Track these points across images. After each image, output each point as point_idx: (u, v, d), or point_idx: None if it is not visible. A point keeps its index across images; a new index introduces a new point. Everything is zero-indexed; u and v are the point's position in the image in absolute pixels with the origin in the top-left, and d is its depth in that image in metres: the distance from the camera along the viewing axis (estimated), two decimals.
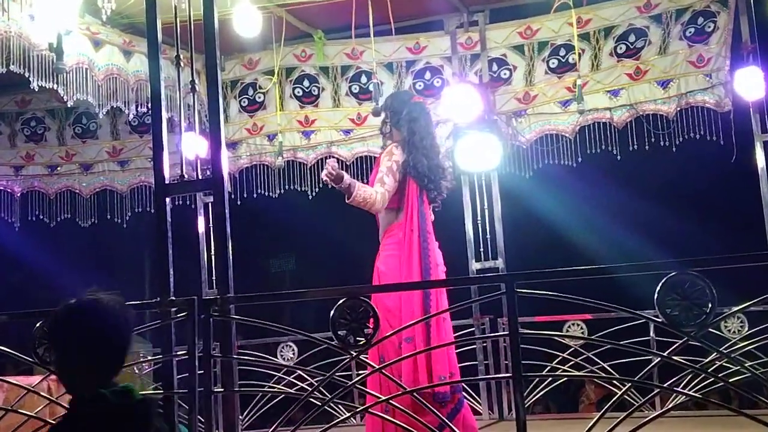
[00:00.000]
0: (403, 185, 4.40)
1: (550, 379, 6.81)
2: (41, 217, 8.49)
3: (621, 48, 7.01)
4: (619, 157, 7.11)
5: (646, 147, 6.97)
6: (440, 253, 4.46)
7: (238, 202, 7.84)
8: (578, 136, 7.19)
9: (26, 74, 5.82)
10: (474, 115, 6.80)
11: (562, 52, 7.16)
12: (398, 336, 4.00)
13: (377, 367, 3.23)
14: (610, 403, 2.80)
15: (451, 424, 3.07)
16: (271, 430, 3.04)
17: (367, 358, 3.65)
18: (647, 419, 2.75)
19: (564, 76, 7.15)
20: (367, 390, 3.42)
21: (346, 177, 4.31)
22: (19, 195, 8.52)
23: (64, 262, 11.00)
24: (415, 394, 3.08)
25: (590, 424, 2.71)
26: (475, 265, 7.11)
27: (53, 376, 3.47)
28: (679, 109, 6.83)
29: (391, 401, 3.13)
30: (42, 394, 3.58)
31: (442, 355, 4.14)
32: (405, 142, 4.51)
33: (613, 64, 7.03)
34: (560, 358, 6.70)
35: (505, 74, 7.35)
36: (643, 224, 10.20)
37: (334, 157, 4.33)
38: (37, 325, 3.12)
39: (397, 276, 4.22)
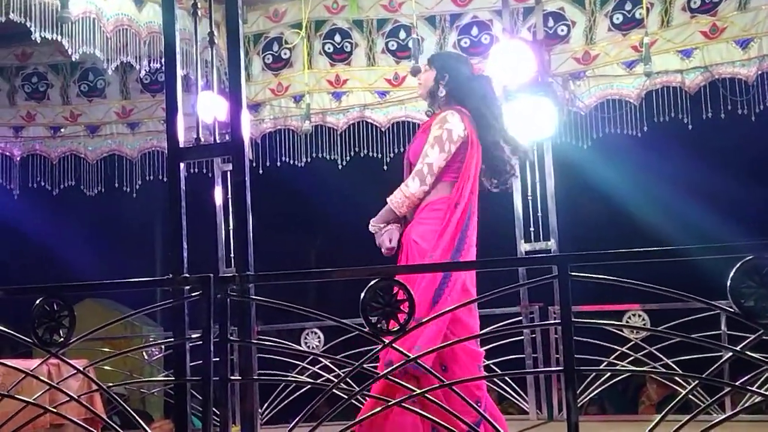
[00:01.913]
0: (462, 156, 4.38)
1: (606, 375, 6.79)
2: (43, 183, 8.60)
3: (695, 2, 6.92)
4: (690, 126, 7.04)
5: (722, 115, 6.90)
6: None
7: (260, 171, 7.89)
8: (644, 101, 7.13)
9: (27, 24, 5.86)
10: (526, 77, 6.75)
11: (628, 6, 7.09)
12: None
13: (411, 356, 3.23)
14: (673, 403, 2.78)
15: (491, 420, 3.08)
16: (292, 424, 3.06)
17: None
18: (714, 422, 2.73)
19: (629, 33, 7.09)
20: (397, 380, 3.42)
21: (391, 226, 4.42)
22: (18, 159, 8.64)
23: (67, 234, 11.15)
24: (454, 387, 3.10)
25: (650, 427, 2.70)
26: (524, 247, 7.07)
27: (54, 360, 3.52)
28: (760, 72, 6.75)
29: (427, 395, 3.13)
30: (41, 378, 3.63)
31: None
32: (474, 114, 4.49)
33: (686, 21, 6.95)
34: (618, 352, 6.68)
35: (562, 31, 7.30)
36: (717, 202, 10.09)
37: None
38: (37, 302, 3.16)
39: (433, 253, 4.23)
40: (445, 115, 4.44)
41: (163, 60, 3.73)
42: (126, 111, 8.47)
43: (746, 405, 3.94)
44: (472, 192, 4.37)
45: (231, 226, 7.01)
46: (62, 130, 8.59)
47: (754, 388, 3.42)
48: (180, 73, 3.63)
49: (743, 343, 2.82)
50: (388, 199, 4.43)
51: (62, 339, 3.18)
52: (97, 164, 8.55)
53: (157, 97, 8.23)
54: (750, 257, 2.64)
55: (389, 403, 3.19)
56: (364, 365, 3.13)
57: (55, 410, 3.56)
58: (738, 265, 2.64)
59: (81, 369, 3.58)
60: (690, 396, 5.56)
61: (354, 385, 3.50)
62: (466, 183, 4.33)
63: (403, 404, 3.07)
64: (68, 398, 3.48)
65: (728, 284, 2.64)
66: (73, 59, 6.70)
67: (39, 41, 6.08)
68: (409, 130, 7.66)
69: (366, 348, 6.08)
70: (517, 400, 7.08)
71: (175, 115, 3.55)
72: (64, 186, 8.59)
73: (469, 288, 4.27)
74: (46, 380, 3.73)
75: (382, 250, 4.44)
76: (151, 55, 6.81)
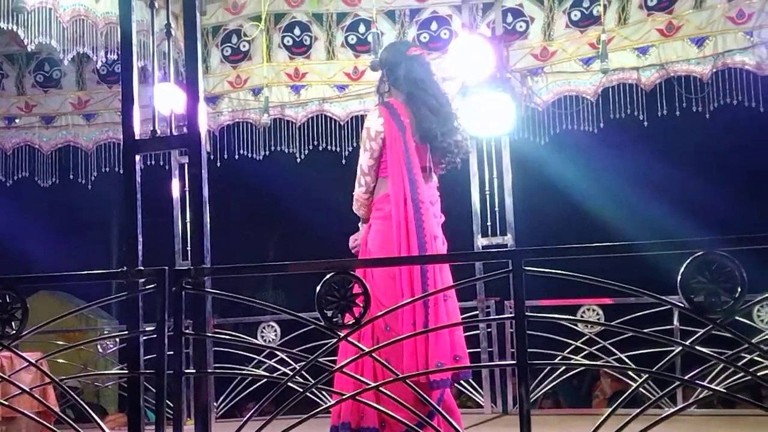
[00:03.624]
0: (390, 148, 4.39)
1: (560, 370, 6.86)
2: None
3: (652, 0, 6.98)
4: (646, 123, 7.11)
5: (677, 112, 6.97)
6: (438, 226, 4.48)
7: (218, 164, 7.85)
8: (601, 98, 7.19)
9: None
10: (485, 73, 6.78)
11: (586, 3, 7.15)
12: (390, 318, 4.04)
13: (366, 350, 3.25)
14: (623, 397, 2.82)
15: (444, 413, 3.10)
16: (245, 418, 3.06)
17: (357, 339, 3.67)
18: (664, 415, 2.76)
19: (587, 30, 7.14)
20: (352, 374, 3.44)
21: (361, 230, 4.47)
22: None
23: (21, 226, 11.03)
24: (408, 381, 3.10)
25: (599, 421, 2.74)
26: (481, 241, 7.12)
27: (6, 352, 3.50)
28: (714, 70, 6.82)
29: (381, 388, 3.15)
30: None
31: (441, 338, 4.16)
32: (407, 100, 4.50)
33: (643, 18, 7.01)
34: (572, 346, 6.75)
35: (520, 27, 7.34)
36: (672, 198, 10.23)
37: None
38: None
39: (382, 253, 4.25)
40: (368, 115, 4.51)
41: (119, 51, 3.71)
42: (82, 102, 8.39)
43: (697, 399, 3.98)
44: (414, 182, 4.34)
45: (188, 219, 6.97)
46: (17, 120, 8.49)
47: (704, 383, 3.48)
48: (137, 64, 3.61)
49: (693, 338, 2.86)
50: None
51: (15, 331, 3.15)
52: (52, 155, 8.46)
53: (113, 89, 8.16)
54: (700, 253, 2.68)
55: (344, 396, 3.19)
56: (319, 359, 3.13)
57: (7, 403, 3.53)
58: (688, 260, 2.68)
59: (33, 362, 3.56)
60: (644, 391, 5.66)
61: (310, 379, 3.51)
62: (398, 176, 4.33)
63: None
64: (21, 391, 3.45)
65: (679, 279, 2.68)
66: (29, 49, 6.63)
67: None
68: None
69: (322, 342, 6.08)
70: (473, 394, 7.13)
71: (131, 106, 3.53)
72: (18, 177, 8.50)
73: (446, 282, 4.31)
74: None
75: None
76: (108, 46, 6.74)
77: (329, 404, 3.46)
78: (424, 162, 4.43)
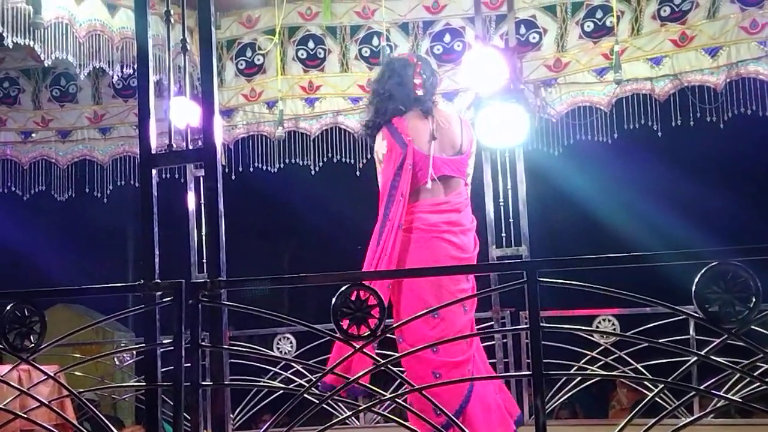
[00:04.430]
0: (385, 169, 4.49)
1: (576, 380, 6.84)
2: (13, 188, 8.55)
3: (665, 10, 6.98)
4: (660, 134, 7.10)
5: (691, 122, 6.96)
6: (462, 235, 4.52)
7: (233, 177, 7.88)
8: (614, 108, 7.19)
9: None
10: (498, 84, 6.78)
11: (599, 14, 7.15)
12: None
13: (382, 362, 3.26)
14: (639, 406, 2.82)
15: (459, 423, 3.11)
16: (262, 429, 3.07)
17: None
18: (680, 425, 2.77)
19: (600, 41, 7.14)
20: (367, 386, 3.45)
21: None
22: None
23: (38, 239, 11.09)
24: (424, 392, 3.11)
25: (616, 430, 2.74)
26: (495, 252, 7.11)
27: (24, 365, 3.52)
28: (728, 80, 6.81)
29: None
30: (12, 384, 3.63)
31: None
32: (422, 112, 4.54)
33: (656, 29, 7.01)
34: (588, 357, 6.73)
35: (534, 38, 7.35)
36: (686, 208, 10.20)
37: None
38: (8, 308, 3.15)
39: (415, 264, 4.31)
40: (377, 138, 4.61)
41: (135, 65, 3.73)
42: (98, 116, 8.43)
43: (713, 408, 3.97)
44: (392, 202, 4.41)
45: (203, 232, 6.98)
46: (33, 135, 8.54)
47: (720, 392, 3.47)
48: (153, 78, 3.63)
49: (708, 348, 2.86)
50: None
51: (33, 345, 3.17)
52: (68, 169, 8.50)
53: (129, 103, 8.20)
54: (715, 263, 2.68)
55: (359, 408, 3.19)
56: (335, 370, 3.14)
57: (25, 416, 3.55)
58: (703, 270, 2.68)
59: (52, 374, 3.57)
60: (661, 401, 5.64)
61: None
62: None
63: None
64: (39, 404, 3.47)
65: (693, 290, 2.68)
66: (45, 64, 6.68)
67: (11, 46, 6.04)
68: None
69: None
70: None
71: (147, 120, 3.54)
72: (34, 191, 8.54)
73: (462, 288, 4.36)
74: (16, 386, 3.71)
75: None
76: (123, 61, 6.78)
77: (345, 415, 3.46)
78: (424, 179, 4.47)
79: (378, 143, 4.57)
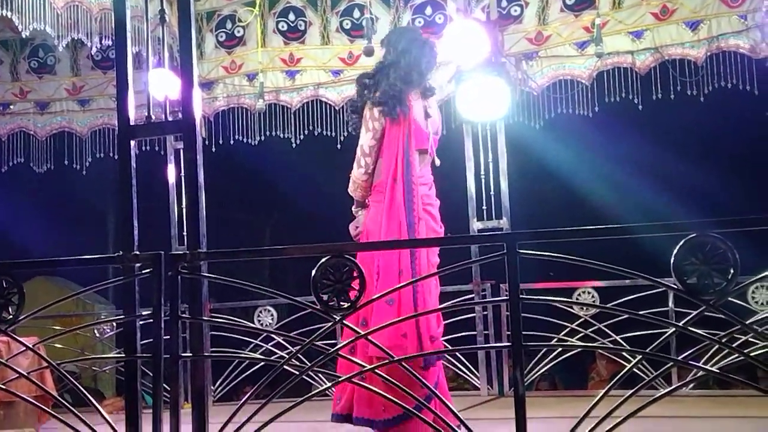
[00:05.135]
0: (390, 128, 4.43)
1: (556, 352, 6.88)
2: None
3: None
4: (641, 107, 7.11)
5: (672, 96, 6.97)
6: (436, 209, 4.52)
7: (213, 149, 7.85)
8: (596, 82, 7.19)
9: None
10: (479, 57, 6.76)
11: None
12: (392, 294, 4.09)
13: (362, 333, 3.26)
14: (618, 377, 2.84)
15: (440, 395, 3.12)
16: (242, 401, 3.07)
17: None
18: (658, 395, 2.79)
19: (581, 14, 7.13)
20: (346, 356, 3.47)
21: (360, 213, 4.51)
22: None
23: (17, 212, 11.01)
24: (404, 363, 3.12)
25: (594, 401, 2.76)
26: (476, 225, 7.13)
27: (3, 337, 3.51)
28: (709, 53, 6.81)
29: (376, 370, 3.17)
30: None
31: (430, 317, 4.22)
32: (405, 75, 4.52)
33: (637, 2, 7.00)
34: (568, 329, 6.78)
35: (515, 11, 7.32)
36: (666, 181, 10.25)
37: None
38: None
39: (379, 233, 4.28)
40: (367, 104, 4.55)
41: (114, 37, 3.70)
42: (77, 88, 8.37)
43: (691, 379, 4.01)
44: (410, 164, 4.38)
45: (183, 204, 6.97)
46: (11, 106, 8.48)
47: (698, 364, 3.50)
48: (131, 50, 3.61)
49: (686, 319, 2.88)
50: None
51: (12, 316, 3.17)
52: (47, 141, 8.45)
53: (108, 74, 8.14)
54: (693, 235, 2.70)
55: (341, 379, 3.20)
56: (316, 342, 3.15)
57: (4, 387, 3.55)
58: (681, 242, 2.69)
59: (31, 346, 3.57)
60: (640, 372, 5.69)
61: (306, 362, 3.52)
62: (392, 156, 4.37)
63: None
64: (18, 375, 3.47)
65: (672, 261, 2.70)
66: (23, 35, 6.62)
67: None
68: None
69: (319, 325, 6.11)
70: (469, 377, 7.16)
71: (126, 92, 3.53)
72: (12, 163, 8.49)
73: (433, 262, 4.34)
74: None
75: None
76: (102, 32, 6.72)
77: (325, 387, 3.48)
78: (424, 144, 4.47)
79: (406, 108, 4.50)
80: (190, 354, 3.37)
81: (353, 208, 4.57)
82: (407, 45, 4.63)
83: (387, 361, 3.19)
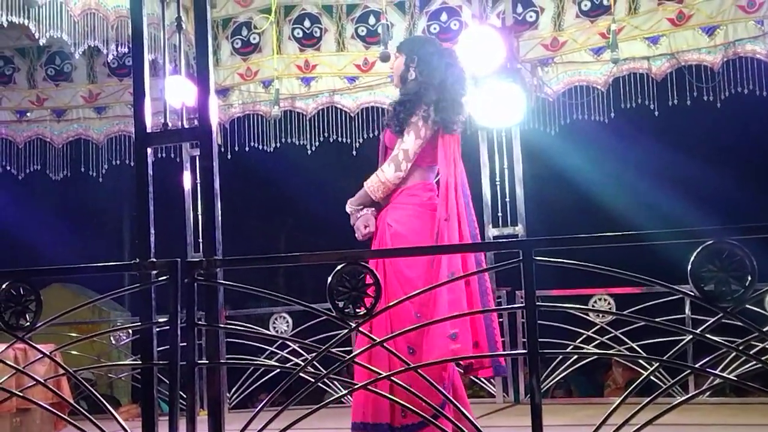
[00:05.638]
0: (435, 141, 4.40)
1: (572, 359, 6.86)
2: (8, 168, 8.55)
3: None
4: (657, 113, 7.10)
5: (688, 101, 6.96)
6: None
7: (229, 156, 7.87)
8: (611, 88, 7.18)
9: None
10: (495, 63, 6.77)
11: None
12: (412, 308, 4.07)
13: (377, 340, 3.26)
14: (634, 385, 2.83)
15: (456, 403, 3.11)
16: (258, 408, 3.07)
17: (369, 330, 3.68)
18: (675, 403, 2.77)
19: (597, 20, 7.12)
20: (364, 364, 3.46)
21: (367, 211, 4.43)
22: None
23: (33, 218, 11.07)
24: (419, 371, 3.11)
25: (611, 409, 2.74)
26: (492, 232, 7.13)
27: (20, 344, 3.52)
28: (725, 59, 6.80)
29: (394, 379, 3.17)
30: (8, 363, 3.64)
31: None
32: (435, 89, 4.50)
33: (653, 8, 6.99)
34: (584, 336, 6.75)
35: (530, 17, 7.33)
36: (682, 187, 10.20)
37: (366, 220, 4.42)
38: (3, 287, 3.16)
39: (414, 238, 4.26)
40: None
41: (130, 44, 3.72)
42: (93, 95, 8.42)
43: (708, 387, 3.99)
44: (463, 172, 4.39)
45: (199, 211, 6.98)
46: (28, 114, 8.53)
47: (715, 371, 3.48)
48: (148, 57, 3.62)
49: (703, 326, 2.87)
50: (364, 183, 4.42)
51: (28, 323, 3.18)
52: (64, 148, 8.50)
53: (124, 82, 8.19)
54: (710, 242, 2.69)
55: (355, 386, 3.21)
56: (332, 349, 3.14)
57: (21, 394, 3.56)
58: (698, 249, 2.68)
59: (47, 353, 3.58)
60: (656, 380, 5.67)
61: (322, 369, 3.52)
62: (450, 165, 4.35)
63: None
64: (35, 382, 3.48)
65: (689, 268, 2.69)
66: (40, 43, 6.67)
67: (6, 25, 6.04)
68: (378, 115, 7.68)
69: (335, 332, 6.11)
70: (485, 384, 7.14)
71: (142, 99, 3.54)
72: (29, 170, 8.54)
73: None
74: (12, 364, 3.73)
75: (357, 233, 4.45)
76: (118, 40, 6.76)
77: (341, 394, 3.48)
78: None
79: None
80: (207, 361, 3.37)
81: (355, 206, 4.47)
82: (441, 60, 4.60)
83: (403, 369, 3.18)
